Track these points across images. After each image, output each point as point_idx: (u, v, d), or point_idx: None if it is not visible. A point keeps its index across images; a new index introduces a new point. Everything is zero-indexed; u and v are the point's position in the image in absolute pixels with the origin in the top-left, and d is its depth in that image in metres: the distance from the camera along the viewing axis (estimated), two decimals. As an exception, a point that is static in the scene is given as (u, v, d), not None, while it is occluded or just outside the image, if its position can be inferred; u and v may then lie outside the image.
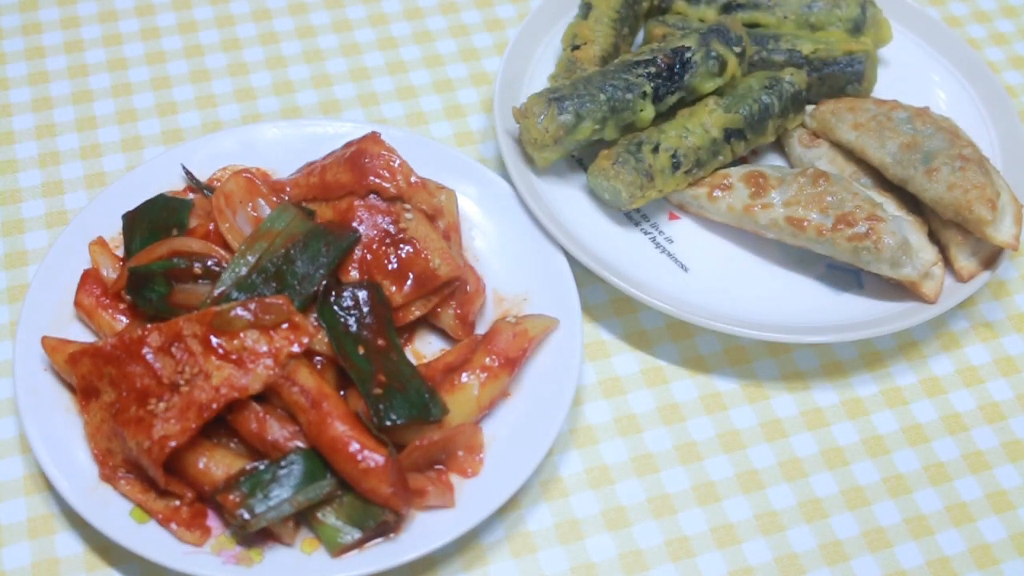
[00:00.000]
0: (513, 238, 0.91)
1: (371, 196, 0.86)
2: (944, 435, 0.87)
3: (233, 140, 0.94)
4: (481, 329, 0.87)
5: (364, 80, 1.05)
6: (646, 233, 0.93)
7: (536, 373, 0.84)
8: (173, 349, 0.77)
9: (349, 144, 0.90)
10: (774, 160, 1.00)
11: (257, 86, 1.04)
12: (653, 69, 0.92)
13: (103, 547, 0.78)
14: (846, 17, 1.01)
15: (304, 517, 0.77)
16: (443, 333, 0.87)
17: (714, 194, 0.92)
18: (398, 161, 0.87)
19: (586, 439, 0.85)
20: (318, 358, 0.80)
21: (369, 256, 0.84)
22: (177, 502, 0.76)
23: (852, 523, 0.82)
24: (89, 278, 0.84)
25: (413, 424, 0.78)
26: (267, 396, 0.77)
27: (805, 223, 0.89)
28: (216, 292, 0.80)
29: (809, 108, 0.99)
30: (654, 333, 0.91)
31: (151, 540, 0.74)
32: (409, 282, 0.84)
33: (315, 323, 0.80)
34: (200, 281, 0.82)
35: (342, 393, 0.80)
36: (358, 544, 0.76)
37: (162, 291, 0.81)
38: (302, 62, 1.06)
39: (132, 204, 0.88)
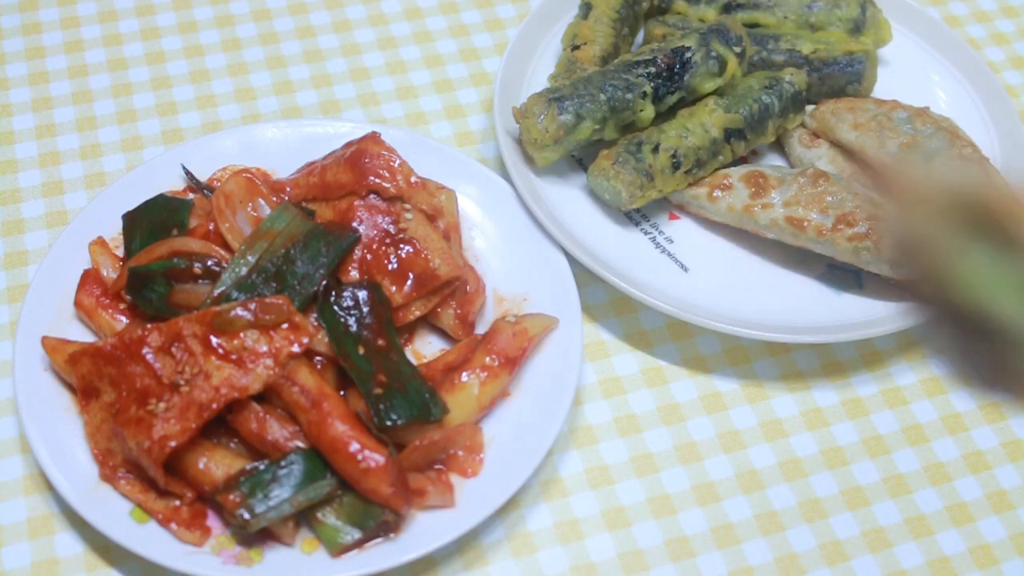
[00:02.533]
0: (513, 238, 0.91)
1: (371, 196, 0.86)
2: (944, 435, 0.87)
3: (233, 140, 0.94)
4: (481, 329, 0.87)
5: (364, 80, 1.05)
6: (646, 233, 0.93)
7: (536, 373, 0.84)
8: (173, 349, 0.77)
9: (349, 144, 0.90)
10: (774, 160, 1.00)
11: (257, 86, 1.04)
12: (653, 69, 0.92)
13: (103, 547, 0.78)
14: (846, 17, 1.01)
15: (304, 517, 0.77)
16: (443, 333, 0.87)
17: (714, 194, 0.92)
18: (398, 161, 0.87)
19: (586, 439, 0.85)
20: (318, 358, 0.80)
21: (369, 256, 0.84)
22: (177, 502, 0.76)
23: (852, 523, 0.82)
24: (89, 278, 0.84)
25: (413, 424, 0.78)
26: (267, 396, 0.77)
27: (805, 223, 0.89)
28: (216, 292, 0.80)
29: (809, 108, 0.99)
30: (654, 333, 0.91)
31: (151, 540, 0.74)
32: (409, 282, 0.84)
33: (315, 323, 0.80)
34: (200, 281, 0.82)
35: (342, 393, 0.80)
36: (358, 544, 0.76)
37: (162, 291, 0.81)
38: (302, 62, 1.06)
39: (132, 204, 0.88)
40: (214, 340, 0.77)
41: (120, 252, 0.87)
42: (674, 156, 0.91)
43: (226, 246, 0.84)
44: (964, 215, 0.35)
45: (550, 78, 1.00)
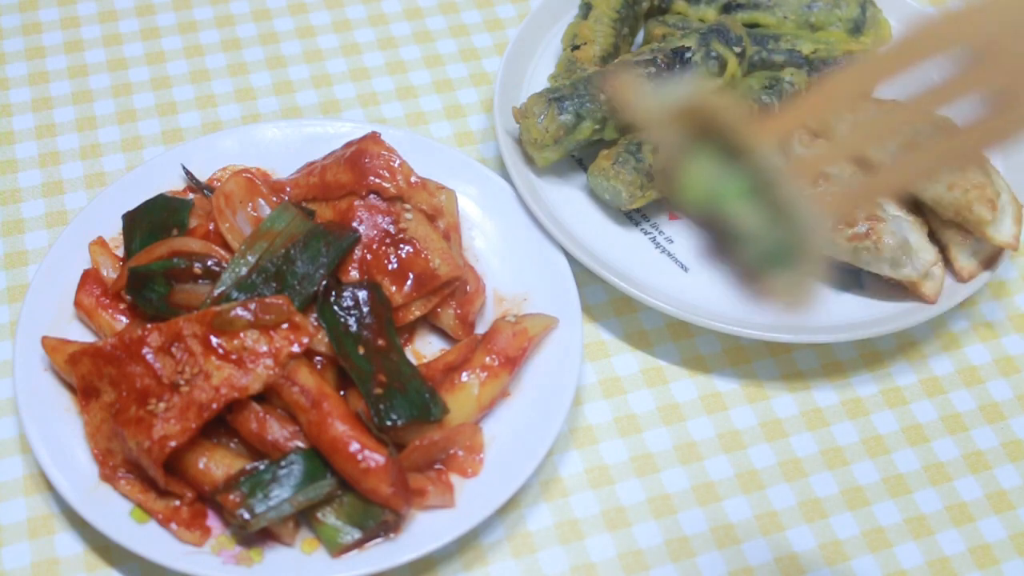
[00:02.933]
0: (513, 238, 0.91)
1: (371, 196, 0.86)
2: (944, 435, 0.87)
3: (233, 140, 0.94)
4: (481, 329, 0.87)
5: (364, 80, 1.05)
6: (646, 233, 0.94)
7: (536, 373, 0.84)
8: (173, 349, 0.77)
9: (349, 144, 0.90)
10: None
11: (257, 86, 1.04)
12: (653, 69, 0.93)
13: (103, 547, 0.78)
14: (846, 17, 1.01)
15: (304, 517, 0.77)
16: (443, 333, 0.87)
17: (714, 194, 0.92)
18: (398, 161, 0.87)
19: (586, 439, 0.85)
20: (318, 358, 0.80)
21: (369, 256, 0.84)
22: (177, 502, 0.76)
23: (852, 523, 0.82)
24: (89, 278, 0.84)
25: (413, 424, 0.78)
26: (267, 396, 0.78)
27: (805, 223, 0.89)
28: (216, 292, 0.80)
29: (809, 108, 0.99)
30: (654, 333, 0.91)
31: (151, 540, 0.74)
32: (409, 282, 0.84)
33: (315, 323, 0.80)
34: (200, 281, 0.82)
35: (342, 393, 0.80)
36: (358, 544, 0.76)
37: (162, 291, 0.81)
38: (302, 62, 1.06)
39: (132, 204, 0.88)
40: (214, 340, 0.77)
41: (120, 252, 0.87)
42: (674, 156, 0.91)
43: (226, 246, 0.84)
44: (691, 125, 0.38)
45: (550, 78, 1.00)
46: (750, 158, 0.38)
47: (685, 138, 0.39)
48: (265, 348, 0.77)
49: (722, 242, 0.39)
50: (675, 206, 0.41)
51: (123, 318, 0.83)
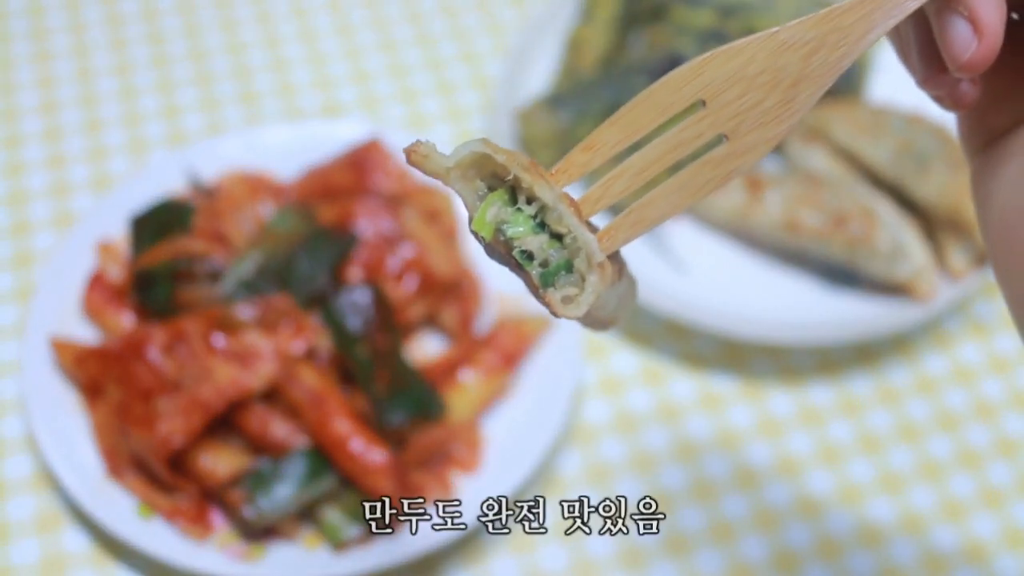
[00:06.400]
0: (513, 239, 0.91)
1: (372, 198, 0.87)
2: (938, 433, 0.88)
3: (236, 143, 0.95)
4: (481, 329, 0.88)
5: (366, 83, 1.06)
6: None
7: (536, 372, 0.85)
8: (178, 349, 0.78)
9: (351, 146, 0.91)
10: (771, 161, 1.01)
11: (260, 89, 1.05)
12: (652, 73, 0.93)
13: (110, 543, 0.79)
14: (842, 20, 1.01)
15: (307, 513, 0.78)
16: (443, 333, 0.88)
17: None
18: (399, 163, 0.88)
19: (585, 437, 0.86)
20: (320, 357, 0.81)
21: (370, 257, 0.85)
22: (182, 499, 0.77)
23: (847, 519, 0.83)
24: (96, 279, 0.85)
25: (414, 422, 0.79)
26: (270, 395, 0.78)
27: (801, 225, 0.90)
28: (220, 292, 0.81)
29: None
30: (653, 332, 0.92)
31: (156, 536, 0.75)
32: (410, 283, 0.85)
33: (317, 323, 0.81)
34: (205, 282, 0.83)
35: (343, 392, 0.81)
36: (360, 540, 0.77)
37: (167, 291, 0.82)
38: (305, 65, 1.07)
39: (137, 206, 0.89)
40: (218, 340, 0.78)
41: (126, 254, 0.88)
42: (672, 158, 0.92)
43: (230, 247, 0.85)
44: (481, 174, 0.44)
45: (550, 81, 1.00)
46: (534, 196, 0.44)
47: (478, 185, 0.44)
48: (268, 348, 0.78)
49: (517, 270, 0.45)
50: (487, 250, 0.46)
51: (129, 318, 0.84)
